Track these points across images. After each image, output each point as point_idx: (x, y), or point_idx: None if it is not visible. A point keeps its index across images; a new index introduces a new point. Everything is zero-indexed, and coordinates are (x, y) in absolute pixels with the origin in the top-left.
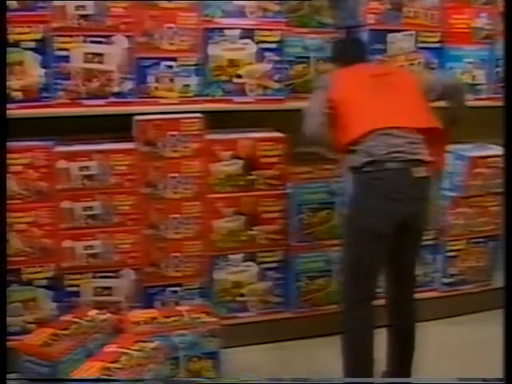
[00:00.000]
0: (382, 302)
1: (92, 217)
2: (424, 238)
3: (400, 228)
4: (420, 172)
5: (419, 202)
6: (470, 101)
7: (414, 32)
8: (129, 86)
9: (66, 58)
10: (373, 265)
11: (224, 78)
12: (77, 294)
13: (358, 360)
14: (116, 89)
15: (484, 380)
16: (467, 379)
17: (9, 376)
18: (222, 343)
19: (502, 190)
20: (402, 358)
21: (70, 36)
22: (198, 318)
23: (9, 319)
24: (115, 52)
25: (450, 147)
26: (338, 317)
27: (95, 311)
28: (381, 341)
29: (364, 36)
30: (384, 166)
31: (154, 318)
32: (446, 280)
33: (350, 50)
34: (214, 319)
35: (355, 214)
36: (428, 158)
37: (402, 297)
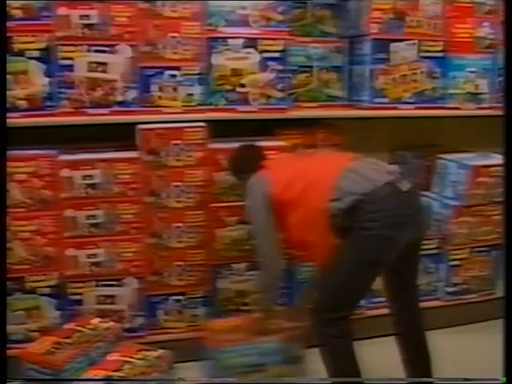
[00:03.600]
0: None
1: (95, 225)
2: (423, 247)
3: (404, 247)
4: (406, 185)
5: (417, 216)
6: (473, 110)
7: (416, 41)
8: (132, 94)
9: (70, 67)
10: (368, 288)
11: (227, 87)
12: (80, 302)
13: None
14: (120, 98)
15: (484, 380)
16: (469, 379)
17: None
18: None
19: (502, 199)
20: (419, 365)
21: (74, 45)
22: (281, 323)
23: (12, 327)
24: (119, 61)
25: (453, 156)
26: (313, 331)
27: (98, 319)
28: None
29: (367, 45)
30: (371, 196)
31: (236, 326)
32: (449, 289)
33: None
34: (295, 324)
35: (363, 248)
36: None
37: (408, 307)
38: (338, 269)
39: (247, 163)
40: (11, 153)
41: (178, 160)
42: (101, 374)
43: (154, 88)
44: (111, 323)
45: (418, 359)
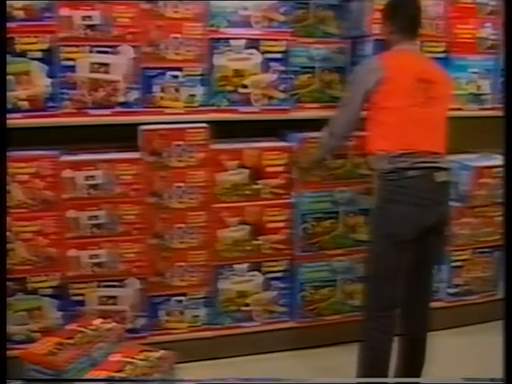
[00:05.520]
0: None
1: (97, 226)
2: (445, 244)
3: (423, 233)
4: (442, 176)
5: (442, 206)
6: (475, 111)
7: (418, 42)
8: (134, 95)
9: (72, 68)
10: (397, 272)
11: (229, 87)
12: (82, 303)
13: (375, 368)
14: (122, 98)
15: (484, 380)
16: (469, 379)
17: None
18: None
19: (502, 199)
20: (413, 368)
21: (77, 46)
22: None
23: (14, 328)
24: (121, 62)
25: (456, 157)
26: (360, 324)
27: (100, 320)
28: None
29: (369, 46)
30: (407, 173)
31: None
32: (451, 290)
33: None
34: None
35: (380, 220)
36: (448, 165)
37: (418, 305)
38: (367, 257)
39: (402, 18)
40: (13, 153)
41: (180, 161)
42: (103, 374)
43: (156, 89)
44: (113, 324)
45: (414, 363)
